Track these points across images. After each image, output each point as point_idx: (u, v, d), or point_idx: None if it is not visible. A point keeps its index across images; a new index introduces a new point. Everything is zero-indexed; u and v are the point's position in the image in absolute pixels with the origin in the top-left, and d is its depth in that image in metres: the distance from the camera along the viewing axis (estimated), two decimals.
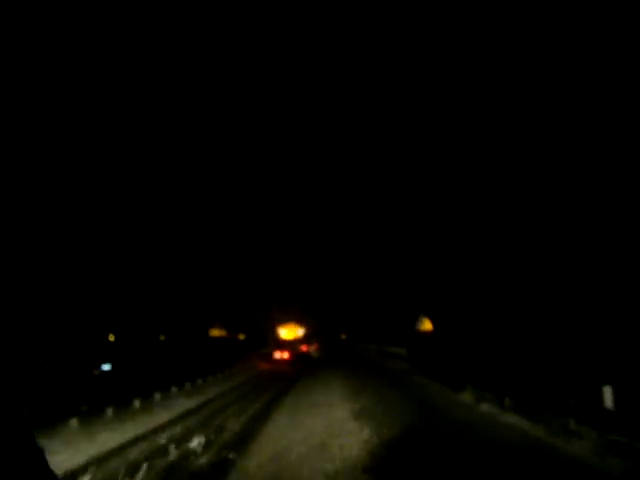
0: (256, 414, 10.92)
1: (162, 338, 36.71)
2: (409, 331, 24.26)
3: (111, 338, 39.53)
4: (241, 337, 43.69)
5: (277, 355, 27.55)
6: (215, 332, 35.01)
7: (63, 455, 7.14)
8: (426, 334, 21.55)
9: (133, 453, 7.53)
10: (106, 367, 10.32)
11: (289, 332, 31.15)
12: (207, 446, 7.87)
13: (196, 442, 8.02)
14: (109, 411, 10.33)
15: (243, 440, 8.34)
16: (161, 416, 10.58)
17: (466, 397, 12.73)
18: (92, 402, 9.68)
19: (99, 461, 7.06)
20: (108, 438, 8.37)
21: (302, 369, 22.85)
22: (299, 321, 32.81)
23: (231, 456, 7.21)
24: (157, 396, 13.09)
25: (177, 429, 9.24)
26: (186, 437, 8.48)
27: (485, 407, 11.23)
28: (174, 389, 14.54)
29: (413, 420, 9.92)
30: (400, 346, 25.95)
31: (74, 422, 9.14)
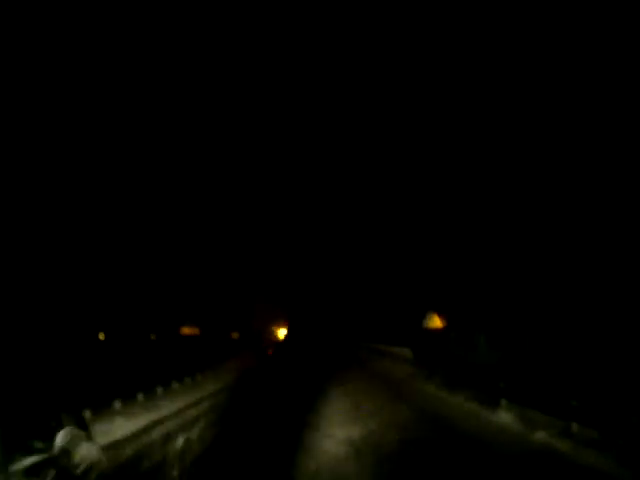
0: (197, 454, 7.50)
1: (153, 337, 37.07)
2: (414, 329, 20.96)
3: (101, 337, 38.20)
4: (235, 336, 43.07)
5: (271, 352, 30.23)
6: (186, 330, 32.64)
7: None
8: (436, 332, 18.26)
9: None
10: None
11: (282, 332, 35.70)
12: None
13: None
14: None
15: None
16: None
17: (505, 417, 9.39)
18: None
19: None
20: None
21: (289, 372, 19.47)
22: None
23: None
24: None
25: None
26: None
27: (541, 436, 7.89)
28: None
29: (446, 461, 6.57)
30: (402, 346, 22.70)
31: None
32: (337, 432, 8.33)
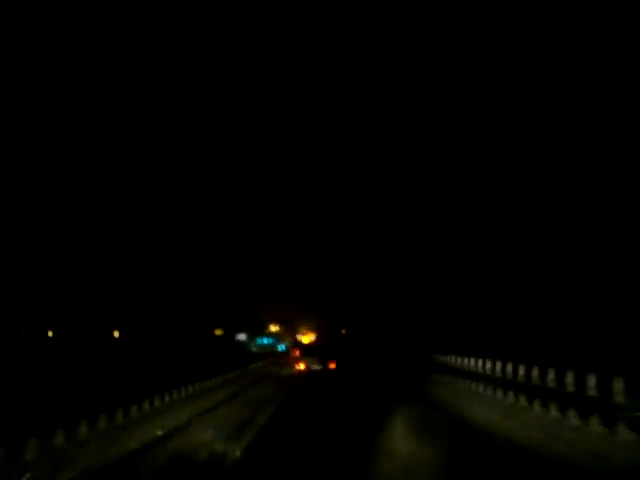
0: None
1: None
2: None
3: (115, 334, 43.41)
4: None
5: (295, 353, 34.71)
6: (218, 331, 37.77)
7: None
8: None
9: None
10: None
11: (305, 338, 41.34)
12: None
13: None
14: None
15: None
16: None
17: None
18: None
19: None
20: None
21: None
22: (312, 329, 43.68)
23: None
24: None
25: None
26: None
27: None
28: None
29: None
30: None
31: None
32: None
